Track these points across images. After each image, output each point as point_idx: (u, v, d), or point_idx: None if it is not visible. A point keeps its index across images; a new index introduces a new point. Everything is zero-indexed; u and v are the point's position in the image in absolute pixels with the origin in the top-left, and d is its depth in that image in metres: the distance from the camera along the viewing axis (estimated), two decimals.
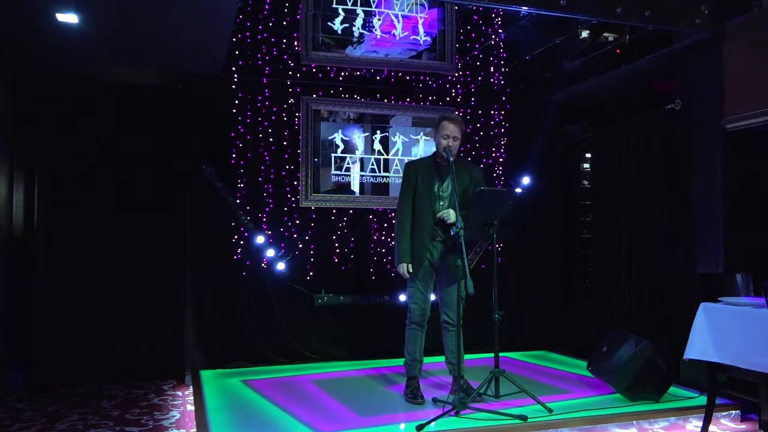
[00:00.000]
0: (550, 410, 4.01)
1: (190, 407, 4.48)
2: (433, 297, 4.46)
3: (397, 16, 5.93)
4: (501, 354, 4.45)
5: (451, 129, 4.27)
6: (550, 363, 5.78)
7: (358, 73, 5.87)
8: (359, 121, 5.97)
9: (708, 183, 4.85)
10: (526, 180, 6.29)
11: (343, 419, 4.05)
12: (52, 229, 5.34)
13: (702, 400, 4.12)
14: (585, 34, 5.15)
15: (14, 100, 5.35)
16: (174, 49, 4.92)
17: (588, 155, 6.48)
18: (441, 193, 4.33)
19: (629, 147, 5.58)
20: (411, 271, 4.30)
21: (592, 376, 4.75)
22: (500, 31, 6.22)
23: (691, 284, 4.86)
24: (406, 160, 5.90)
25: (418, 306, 4.35)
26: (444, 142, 4.26)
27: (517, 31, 5.98)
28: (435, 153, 4.42)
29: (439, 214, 4.29)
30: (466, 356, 4.33)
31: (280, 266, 5.52)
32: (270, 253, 5.51)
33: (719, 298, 3.82)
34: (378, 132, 6.00)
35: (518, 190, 6.26)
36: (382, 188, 5.98)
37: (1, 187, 5.24)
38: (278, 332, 5.63)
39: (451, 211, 4.21)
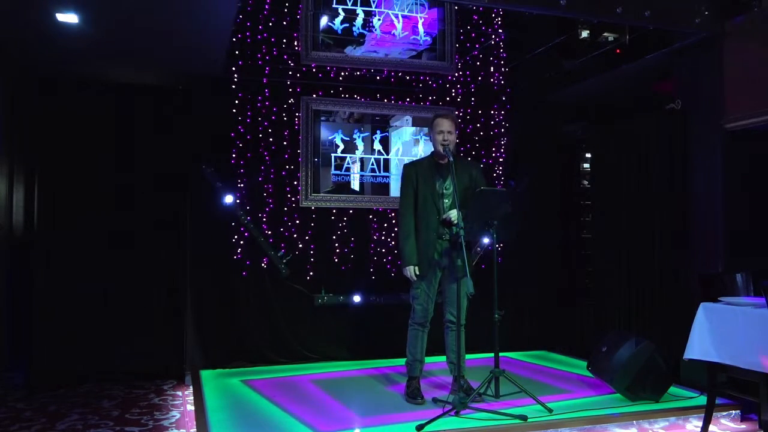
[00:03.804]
0: (550, 410, 4.01)
1: (190, 407, 4.48)
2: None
3: (397, 16, 5.93)
4: (501, 354, 4.45)
5: (445, 125, 4.26)
6: (550, 363, 5.78)
7: (358, 73, 5.87)
8: (359, 121, 5.97)
9: (708, 182, 4.85)
10: (525, 180, 6.29)
11: (343, 419, 4.05)
12: (52, 229, 5.34)
13: (702, 400, 4.12)
14: (585, 33, 5.15)
15: (14, 100, 5.35)
16: (174, 49, 4.92)
17: (588, 155, 6.48)
18: (444, 191, 4.31)
19: (629, 147, 5.58)
20: (418, 273, 4.27)
21: (592, 375, 4.75)
22: (500, 31, 6.22)
23: (691, 284, 4.86)
24: (406, 160, 5.91)
25: (422, 307, 4.34)
26: (439, 138, 4.25)
27: (517, 30, 6.00)
28: (433, 152, 4.41)
29: (444, 215, 4.25)
30: (467, 356, 4.33)
31: (228, 199, 5.37)
32: (228, 199, 5.39)
33: (719, 298, 3.82)
34: (378, 132, 6.00)
35: (518, 190, 6.26)
36: (382, 188, 5.98)
37: (1, 187, 5.24)
38: (278, 332, 5.63)
39: (455, 211, 4.15)
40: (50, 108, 5.40)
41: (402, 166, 4.59)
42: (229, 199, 5.34)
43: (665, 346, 4.60)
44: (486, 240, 5.25)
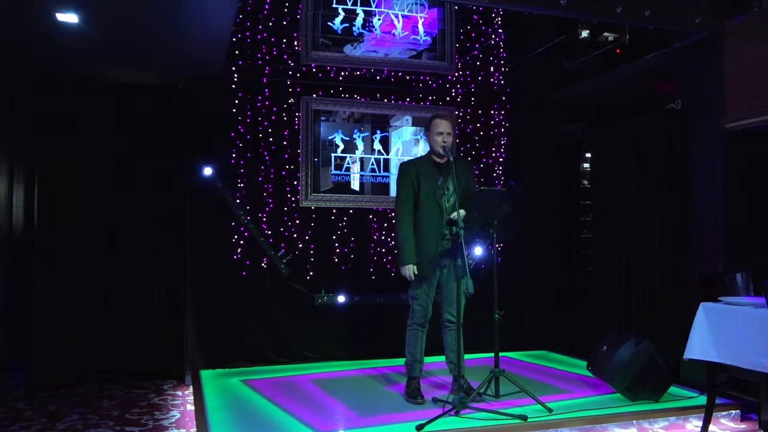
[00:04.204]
0: (550, 410, 4.01)
1: (190, 407, 4.48)
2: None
3: (397, 16, 5.93)
4: (501, 354, 4.45)
5: (444, 126, 4.26)
6: (550, 363, 5.78)
7: (358, 72, 5.87)
8: (359, 121, 5.97)
9: (708, 182, 4.85)
10: (525, 180, 6.29)
11: (343, 419, 4.05)
12: (52, 229, 5.34)
13: (702, 399, 4.12)
14: (585, 33, 5.15)
15: (14, 100, 5.35)
16: (174, 49, 4.92)
17: (588, 155, 6.47)
18: (445, 190, 4.30)
19: (629, 147, 5.57)
20: (417, 272, 4.25)
21: (592, 375, 4.75)
22: (500, 30, 6.22)
23: (691, 284, 4.86)
24: (405, 160, 5.91)
25: (421, 307, 4.33)
26: (439, 139, 4.25)
27: (517, 30, 6.00)
28: (430, 152, 4.40)
29: (452, 215, 4.18)
30: (466, 356, 4.33)
31: (207, 171, 5.34)
32: (207, 171, 5.35)
33: (719, 298, 3.82)
34: (378, 132, 6.00)
35: (517, 190, 6.26)
36: (382, 188, 5.98)
37: (1, 186, 5.24)
38: (278, 332, 5.63)
39: (462, 211, 4.11)
40: (50, 108, 5.40)
41: (399, 165, 4.56)
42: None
43: (665, 346, 4.60)
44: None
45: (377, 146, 5.99)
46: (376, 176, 5.97)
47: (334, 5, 5.74)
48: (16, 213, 5.63)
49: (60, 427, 4.06)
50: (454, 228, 4.08)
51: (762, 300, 3.46)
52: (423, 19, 6.01)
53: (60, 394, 4.90)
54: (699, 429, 3.93)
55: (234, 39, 5.29)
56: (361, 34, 5.83)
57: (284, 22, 5.59)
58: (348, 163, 5.90)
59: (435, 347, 4.64)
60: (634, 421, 4.00)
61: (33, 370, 5.19)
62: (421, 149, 6.02)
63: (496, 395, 4.33)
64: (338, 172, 5.86)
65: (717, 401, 3.93)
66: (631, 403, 4.27)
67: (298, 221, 5.68)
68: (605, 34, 5.10)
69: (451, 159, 4.17)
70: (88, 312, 5.35)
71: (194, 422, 4.07)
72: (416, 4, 5.98)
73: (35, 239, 5.43)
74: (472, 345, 4.59)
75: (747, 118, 4.55)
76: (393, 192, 5.90)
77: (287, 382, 5.01)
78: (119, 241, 5.47)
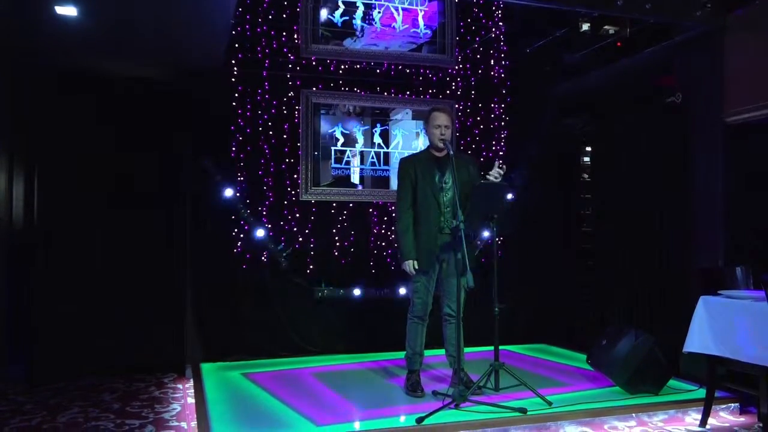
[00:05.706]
0: (549, 403, 4.02)
1: (191, 400, 4.49)
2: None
3: (397, 9, 5.91)
4: (501, 347, 4.44)
5: (442, 119, 4.25)
6: (550, 356, 5.79)
7: (358, 66, 5.85)
8: (359, 114, 5.96)
9: (708, 176, 4.85)
10: (525, 174, 6.28)
11: (343, 412, 4.06)
12: (53, 223, 5.34)
13: (701, 393, 4.13)
14: (586, 26, 5.14)
15: (14, 93, 5.34)
16: (173, 42, 4.91)
17: (588, 149, 6.47)
18: (443, 185, 4.30)
19: (629, 140, 5.57)
20: (417, 267, 4.26)
21: (591, 369, 4.77)
22: (500, 23, 6.21)
23: (691, 277, 4.86)
24: (405, 154, 5.91)
25: (421, 300, 4.34)
26: (437, 132, 4.25)
27: (517, 23, 5.98)
28: (429, 146, 4.40)
29: (490, 174, 4.16)
30: (466, 349, 4.33)
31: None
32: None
33: (719, 292, 3.83)
34: (378, 125, 5.99)
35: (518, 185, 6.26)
36: (382, 181, 5.98)
37: (1, 180, 5.24)
38: (278, 325, 5.63)
39: (498, 171, 4.12)
40: (50, 101, 5.39)
41: (399, 161, 4.56)
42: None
43: (665, 339, 4.60)
44: (487, 233, 5.29)
45: (377, 140, 5.98)
46: (376, 170, 5.96)
47: None
48: (16, 207, 5.63)
49: (61, 420, 4.07)
50: (454, 221, 4.08)
51: (761, 294, 3.46)
52: (423, 12, 5.99)
53: (60, 387, 4.91)
54: (698, 422, 3.94)
55: (233, 32, 5.28)
56: (361, 27, 5.81)
57: (284, 15, 5.58)
58: (348, 157, 5.89)
59: (435, 341, 4.64)
60: (634, 414, 4.01)
61: (34, 364, 5.19)
62: (421, 143, 6.01)
63: (496, 388, 4.33)
64: (338, 165, 5.86)
65: (716, 394, 3.95)
66: (631, 396, 4.27)
67: (298, 215, 5.68)
68: (606, 27, 5.09)
69: (451, 152, 4.16)
70: (89, 305, 5.35)
71: (195, 415, 4.07)
72: None
73: (35, 232, 5.43)
74: (472, 338, 4.60)
75: (748, 112, 4.55)
76: (393, 185, 5.90)
77: (287, 375, 5.03)
78: (119, 234, 5.47)
